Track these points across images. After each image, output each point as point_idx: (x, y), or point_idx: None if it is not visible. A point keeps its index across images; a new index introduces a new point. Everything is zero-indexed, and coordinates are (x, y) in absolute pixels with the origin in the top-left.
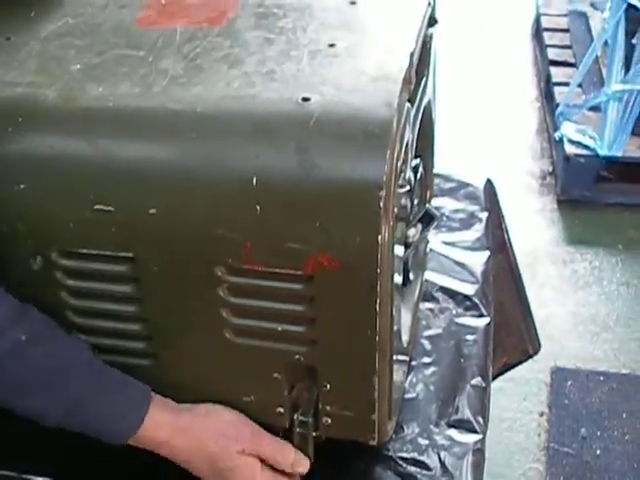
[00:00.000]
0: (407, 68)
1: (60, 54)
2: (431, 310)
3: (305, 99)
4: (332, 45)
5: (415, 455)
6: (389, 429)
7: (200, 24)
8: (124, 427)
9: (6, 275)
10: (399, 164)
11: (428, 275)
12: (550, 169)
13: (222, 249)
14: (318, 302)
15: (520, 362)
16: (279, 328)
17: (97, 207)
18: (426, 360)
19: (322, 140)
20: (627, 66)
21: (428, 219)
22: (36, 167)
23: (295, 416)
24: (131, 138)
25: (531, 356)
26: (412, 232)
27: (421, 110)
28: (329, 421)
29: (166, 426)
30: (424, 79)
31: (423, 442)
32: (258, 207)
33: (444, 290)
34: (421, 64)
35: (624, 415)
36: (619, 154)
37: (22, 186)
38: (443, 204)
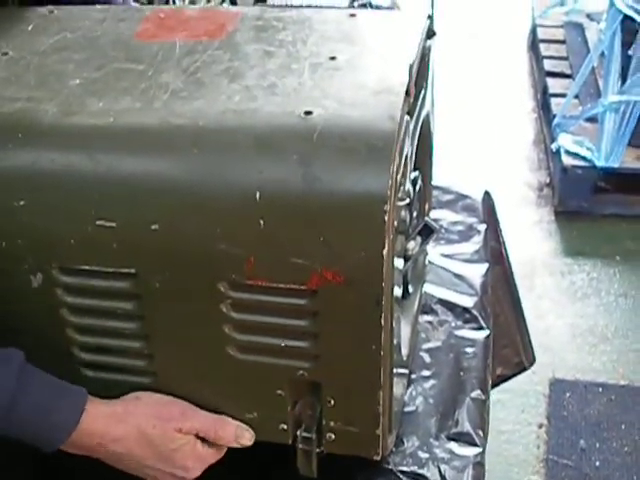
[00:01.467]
0: (407, 81)
1: (59, 69)
2: (430, 323)
3: (307, 113)
4: (333, 58)
5: (415, 469)
6: (389, 443)
7: (199, 37)
8: (63, 422)
9: (5, 292)
10: (399, 177)
11: (427, 288)
12: (547, 180)
13: (225, 264)
14: (322, 317)
15: (514, 375)
16: (282, 344)
17: (99, 223)
18: (425, 373)
19: (325, 154)
20: (624, 77)
21: (427, 232)
22: (36, 183)
23: (298, 432)
24: (133, 153)
25: (525, 369)
26: (411, 245)
27: (420, 122)
28: (333, 437)
29: (103, 418)
30: (423, 91)
31: (423, 455)
32: (262, 222)
33: (443, 303)
34: (420, 76)
35: (623, 426)
36: (616, 165)
37: (22, 202)
38: (441, 216)
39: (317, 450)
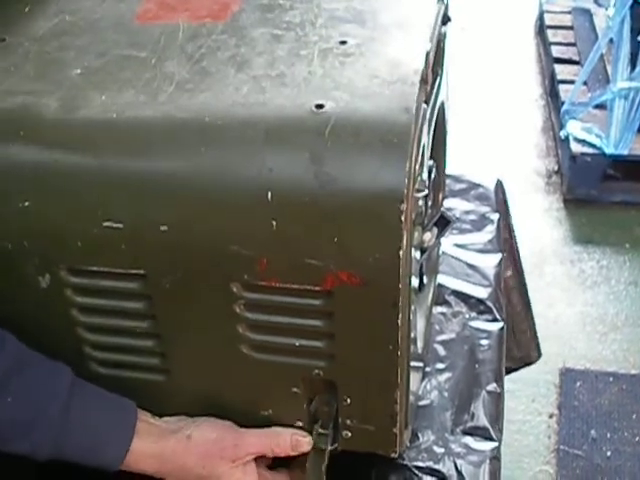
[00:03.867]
0: (423, 69)
1: (59, 57)
2: (444, 314)
3: (319, 106)
4: (343, 42)
5: (431, 464)
6: (405, 438)
7: (203, 19)
8: (107, 460)
9: (14, 292)
10: (417, 167)
11: (440, 278)
12: (556, 168)
13: (237, 265)
14: (337, 317)
15: (518, 368)
16: (297, 343)
17: (106, 224)
18: (440, 366)
19: (339, 151)
20: (633, 63)
21: (444, 223)
22: (40, 183)
23: (314, 429)
24: (138, 151)
25: (531, 363)
26: (428, 236)
27: (436, 110)
28: (349, 434)
29: (151, 458)
30: (438, 79)
31: (439, 450)
32: (274, 222)
33: (456, 294)
34: (436, 63)
35: (634, 416)
36: (625, 152)
37: (27, 203)
38: (454, 205)
39: (331, 447)
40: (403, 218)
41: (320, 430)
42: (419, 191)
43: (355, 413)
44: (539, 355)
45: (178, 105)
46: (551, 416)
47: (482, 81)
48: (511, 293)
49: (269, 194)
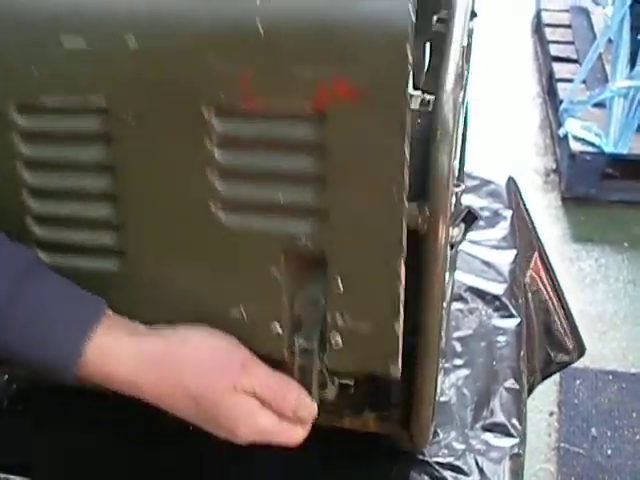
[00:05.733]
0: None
1: None
2: (460, 311)
3: None
4: None
5: (451, 460)
6: (429, 434)
7: None
8: (61, 355)
9: None
10: (455, 162)
11: (455, 275)
12: (554, 166)
13: (214, 82)
14: (330, 152)
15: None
16: (280, 197)
17: (65, 43)
18: (458, 362)
19: None
20: (632, 62)
21: (471, 218)
22: None
23: (295, 339)
24: None
25: (572, 362)
26: (456, 232)
27: (465, 104)
28: (339, 342)
29: (127, 360)
30: (467, 74)
31: (459, 447)
32: (261, 29)
33: (472, 290)
34: (466, 60)
35: (634, 414)
36: (625, 151)
37: None
38: (466, 202)
39: (318, 365)
40: (411, 11)
41: (302, 342)
42: (457, 186)
43: (348, 303)
44: (582, 351)
45: None
46: (551, 414)
47: (479, 79)
48: (547, 287)
49: None
